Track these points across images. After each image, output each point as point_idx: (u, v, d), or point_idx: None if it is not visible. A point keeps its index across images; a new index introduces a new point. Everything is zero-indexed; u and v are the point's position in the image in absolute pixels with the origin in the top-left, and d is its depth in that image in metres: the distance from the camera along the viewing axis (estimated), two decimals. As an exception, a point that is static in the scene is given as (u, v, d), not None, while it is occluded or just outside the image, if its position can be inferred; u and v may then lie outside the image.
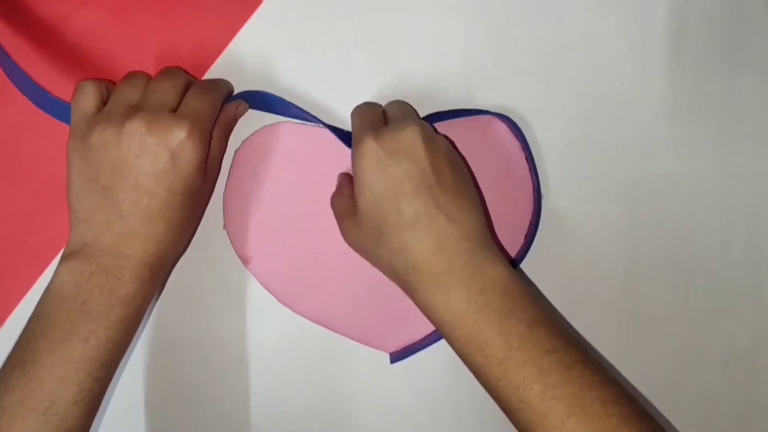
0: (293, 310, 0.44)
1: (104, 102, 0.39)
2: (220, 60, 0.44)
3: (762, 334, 0.45)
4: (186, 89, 0.39)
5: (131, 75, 0.40)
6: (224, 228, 0.44)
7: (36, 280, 0.44)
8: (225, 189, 0.44)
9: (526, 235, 0.44)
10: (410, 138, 0.36)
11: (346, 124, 0.44)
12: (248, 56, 0.44)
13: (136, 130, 0.35)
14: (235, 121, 0.43)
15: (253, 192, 0.44)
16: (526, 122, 0.44)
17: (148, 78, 0.40)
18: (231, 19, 0.44)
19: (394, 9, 0.44)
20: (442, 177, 0.36)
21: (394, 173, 0.35)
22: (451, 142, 0.41)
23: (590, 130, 0.45)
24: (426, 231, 0.35)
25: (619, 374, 0.45)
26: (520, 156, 0.44)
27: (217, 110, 0.39)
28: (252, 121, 0.44)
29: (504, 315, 0.34)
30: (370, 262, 0.39)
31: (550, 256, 0.45)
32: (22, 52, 0.43)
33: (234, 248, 0.44)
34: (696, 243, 0.45)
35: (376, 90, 0.44)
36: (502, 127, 0.44)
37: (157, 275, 0.38)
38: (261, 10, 0.44)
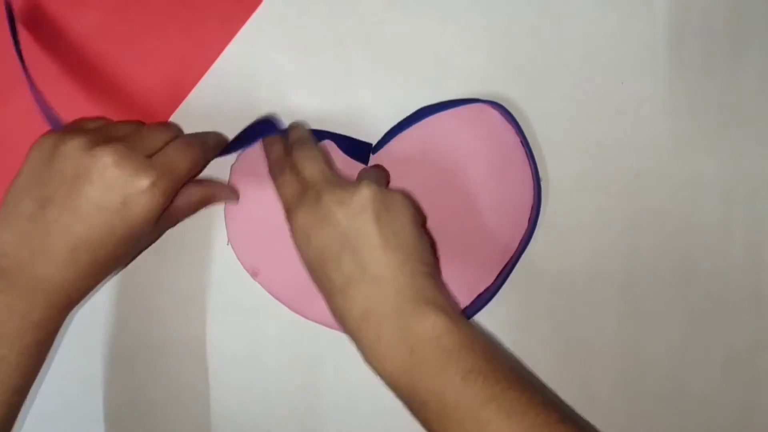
0: (306, 317, 0.44)
1: None
2: (220, 60, 0.44)
3: (762, 334, 0.45)
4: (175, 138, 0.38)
5: (126, 121, 0.39)
6: (227, 244, 0.44)
7: (36, 280, 0.44)
8: (225, 205, 0.43)
9: (529, 219, 0.44)
10: (328, 207, 0.36)
11: (346, 125, 0.44)
12: (248, 56, 0.44)
13: (103, 155, 0.34)
14: (215, 201, 0.42)
15: (254, 204, 0.44)
16: (526, 122, 0.44)
17: (141, 124, 0.38)
18: (231, 19, 0.44)
19: (393, 9, 0.44)
20: (367, 236, 0.35)
21: (319, 242, 0.36)
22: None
23: (590, 129, 0.45)
24: (353, 298, 0.35)
25: (619, 374, 0.45)
26: (516, 141, 0.44)
27: (195, 169, 0.38)
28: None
29: (438, 371, 0.33)
30: None
31: (550, 254, 0.45)
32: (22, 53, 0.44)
33: (240, 262, 0.44)
34: (696, 242, 0.45)
35: (376, 90, 0.44)
36: (495, 114, 0.44)
37: (74, 302, 0.36)
38: (261, 10, 0.44)
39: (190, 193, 0.40)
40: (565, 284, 0.45)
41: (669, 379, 0.45)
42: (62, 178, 0.34)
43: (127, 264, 0.41)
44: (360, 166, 0.44)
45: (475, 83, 0.45)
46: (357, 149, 0.44)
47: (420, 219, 0.38)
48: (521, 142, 0.44)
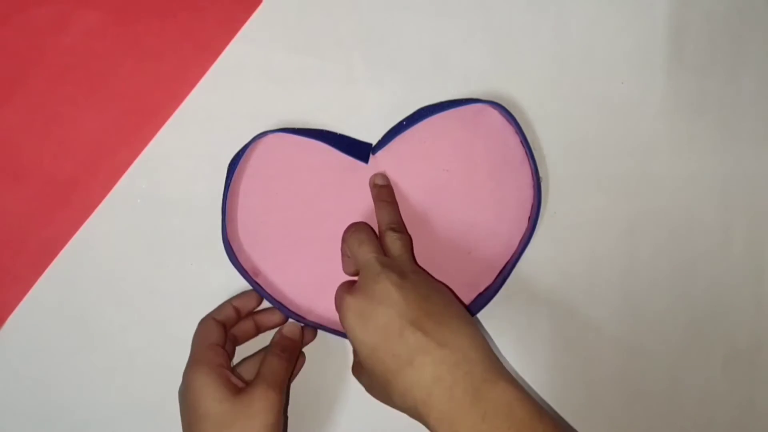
0: (306, 318, 0.44)
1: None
2: (220, 60, 0.44)
3: (762, 334, 0.45)
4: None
5: None
6: (228, 243, 0.44)
7: (36, 280, 0.44)
8: (224, 205, 0.43)
9: (529, 219, 0.44)
10: (381, 286, 0.37)
11: (346, 125, 0.44)
12: (248, 56, 0.44)
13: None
14: (293, 343, 0.43)
15: (253, 205, 0.44)
16: (526, 122, 0.44)
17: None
18: (231, 19, 0.44)
19: (394, 9, 0.44)
20: (422, 307, 0.36)
21: (378, 323, 0.36)
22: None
23: (590, 130, 0.45)
24: (422, 364, 0.35)
25: (619, 374, 0.45)
26: (515, 141, 0.44)
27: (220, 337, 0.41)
28: (242, 134, 0.44)
29: None
30: (394, 408, 0.39)
31: (550, 255, 0.45)
32: (21, 53, 0.44)
33: (240, 262, 0.44)
34: (696, 243, 0.45)
35: (376, 90, 0.44)
36: (495, 114, 0.44)
37: None
38: (261, 10, 0.44)
39: (270, 359, 0.41)
40: (565, 284, 0.45)
41: (669, 379, 0.45)
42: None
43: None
44: (360, 165, 0.44)
45: (475, 83, 0.45)
46: (357, 149, 0.44)
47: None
48: (521, 142, 0.44)
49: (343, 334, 0.43)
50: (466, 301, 0.44)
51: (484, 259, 0.44)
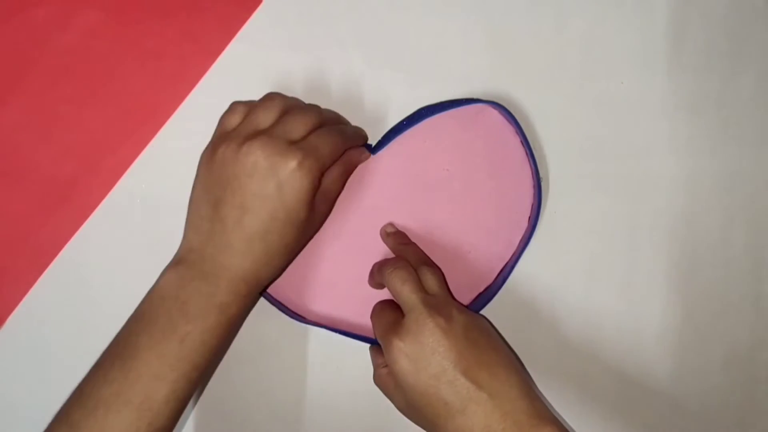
0: (306, 318, 0.44)
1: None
2: (220, 60, 0.44)
3: (762, 334, 0.45)
4: (317, 126, 0.39)
5: (269, 98, 0.40)
6: None
7: (36, 280, 0.44)
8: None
9: (529, 218, 0.44)
10: (431, 333, 0.38)
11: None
12: (248, 56, 0.44)
13: (252, 152, 0.37)
14: (355, 166, 0.44)
15: None
16: (526, 121, 0.44)
17: (285, 104, 0.40)
18: (231, 19, 0.44)
19: (394, 9, 0.44)
20: (472, 357, 0.38)
21: (430, 372, 0.37)
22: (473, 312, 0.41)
23: (590, 129, 0.45)
24: (474, 414, 0.37)
25: (619, 374, 0.45)
26: (516, 141, 0.44)
27: (336, 153, 0.40)
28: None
29: None
30: None
31: (550, 254, 0.45)
32: (21, 53, 0.44)
33: None
34: (696, 243, 0.45)
35: (376, 90, 0.44)
36: (495, 114, 0.44)
37: (252, 291, 0.39)
38: (261, 10, 0.44)
39: (331, 171, 0.41)
40: (565, 284, 0.45)
41: (669, 379, 0.45)
42: (225, 180, 0.38)
43: (296, 253, 0.42)
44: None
45: (475, 83, 0.45)
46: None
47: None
48: (521, 142, 0.44)
49: (343, 333, 0.43)
50: (466, 300, 0.44)
51: (484, 259, 0.44)
